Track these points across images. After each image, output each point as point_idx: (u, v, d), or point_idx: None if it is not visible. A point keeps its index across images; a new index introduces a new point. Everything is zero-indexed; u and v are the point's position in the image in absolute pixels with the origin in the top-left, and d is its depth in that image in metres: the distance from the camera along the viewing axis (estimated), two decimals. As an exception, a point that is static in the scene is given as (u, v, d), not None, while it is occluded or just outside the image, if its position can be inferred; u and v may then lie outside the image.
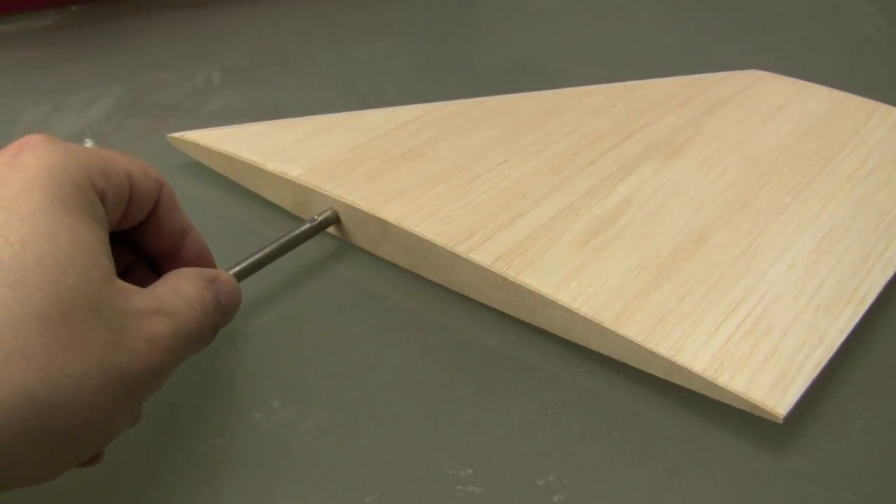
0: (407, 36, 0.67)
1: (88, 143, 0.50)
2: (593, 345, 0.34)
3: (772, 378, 0.31)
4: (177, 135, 0.45)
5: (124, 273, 0.31)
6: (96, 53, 0.62)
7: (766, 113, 0.49)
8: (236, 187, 0.45)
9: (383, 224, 0.38)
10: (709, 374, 0.31)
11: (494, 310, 0.37)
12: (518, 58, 0.63)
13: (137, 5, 0.68)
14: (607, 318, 0.33)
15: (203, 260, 0.32)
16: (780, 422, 0.30)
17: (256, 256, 0.35)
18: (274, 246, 0.36)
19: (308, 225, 0.38)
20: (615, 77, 0.52)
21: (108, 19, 0.66)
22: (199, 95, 0.56)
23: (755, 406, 0.30)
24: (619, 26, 0.68)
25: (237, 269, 0.34)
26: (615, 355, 0.34)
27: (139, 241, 0.31)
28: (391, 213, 0.38)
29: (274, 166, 0.41)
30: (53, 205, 0.24)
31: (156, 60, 0.61)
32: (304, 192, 0.41)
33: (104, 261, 0.25)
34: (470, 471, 0.30)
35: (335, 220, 0.40)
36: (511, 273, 0.35)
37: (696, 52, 0.63)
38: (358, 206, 0.39)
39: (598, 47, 0.64)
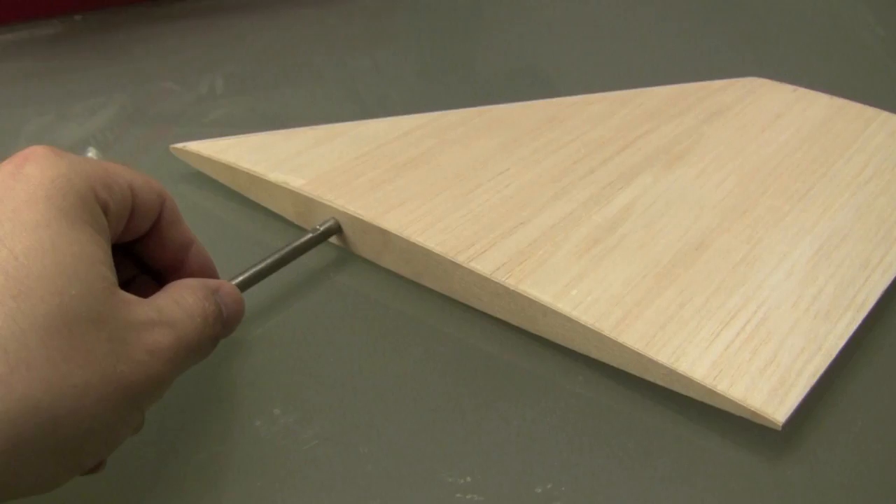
0: (409, 45, 0.67)
1: (91, 153, 0.50)
2: (594, 353, 0.34)
3: (771, 385, 0.31)
4: (179, 145, 0.46)
5: (127, 284, 0.31)
6: (100, 62, 0.62)
7: (765, 120, 0.49)
8: (239, 197, 0.45)
9: (385, 234, 0.38)
10: (708, 382, 0.31)
11: (494, 318, 0.37)
12: (520, 66, 0.63)
13: (141, 15, 0.68)
14: (607, 327, 0.33)
15: (206, 272, 0.32)
16: (779, 429, 0.30)
17: (259, 267, 0.36)
18: (276, 256, 0.36)
19: (310, 235, 0.39)
20: (616, 85, 0.52)
21: (111, 28, 0.66)
22: (203, 105, 0.56)
23: (754, 413, 0.30)
24: (620, 34, 0.68)
25: (240, 279, 0.35)
26: (615, 363, 0.34)
27: (142, 253, 0.31)
28: (392, 222, 0.38)
29: (276, 176, 0.42)
30: (57, 216, 0.24)
31: (159, 69, 0.61)
32: (306, 203, 0.41)
33: (107, 272, 0.25)
34: (469, 479, 0.30)
35: (337, 230, 0.40)
36: (512, 282, 0.35)
37: (696, 60, 0.63)
38: (359, 217, 0.39)
39: (598, 55, 0.64)
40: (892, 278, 0.37)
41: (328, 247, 0.41)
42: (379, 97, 0.58)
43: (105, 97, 0.57)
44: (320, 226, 0.39)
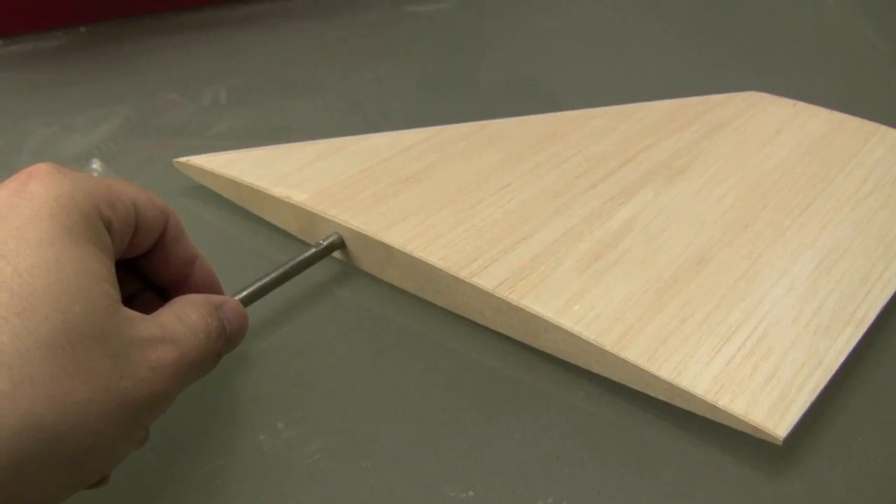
0: (411, 58, 0.68)
1: (95, 164, 0.50)
2: (595, 368, 0.34)
3: (771, 400, 0.31)
4: (182, 159, 0.46)
5: (131, 299, 0.31)
6: (104, 74, 0.62)
7: (765, 135, 0.49)
8: (242, 211, 0.45)
9: (387, 249, 0.39)
10: (709, 397, 0.31)
11: (497, 332, 0.37)
12: (522, 80, 0.63)
13: (145, 27, 0.69)
14: (609, 342, 0.33)
15: (210, 287, 0.32)
16: (780, 443, 0.30)
17: (262, 282, 0.36)
18: (279, 271, 0.37)
19: (313, 250, 0.39)
20: (617, 99, 0.52)
21: (116, 41, 0.66)
22: (206, 117, 0.57)
23: (755, 428, 0.31)
24: (621, 49, 0.69)
25: (243, 294, 0.35)
26: (617, 378, 0.34)
27: (146, 269, 0.31)
28: (395, 237, 0.38)
29: (279, 191, 0.42)
30: (61, 234, 0.25)
31: (163, 81, 0.61)
32: (309, 217, 0.41)
33: (110, 289, 0.25)
34: (471, 493, 0.31)
35: (340, 244, 0.40)
36: (514, 297, 0.35)
37: (696, 74, 0.64)
38: (362, 231, 0.39)
39: (599, 70, 0.65)
40: (891, 293, 0.37)
41: (331, 261, 0.42)
42: (381, 110, 0.58)
43: (109, 109, 0.57)
44: (323, 240, 0.40)
